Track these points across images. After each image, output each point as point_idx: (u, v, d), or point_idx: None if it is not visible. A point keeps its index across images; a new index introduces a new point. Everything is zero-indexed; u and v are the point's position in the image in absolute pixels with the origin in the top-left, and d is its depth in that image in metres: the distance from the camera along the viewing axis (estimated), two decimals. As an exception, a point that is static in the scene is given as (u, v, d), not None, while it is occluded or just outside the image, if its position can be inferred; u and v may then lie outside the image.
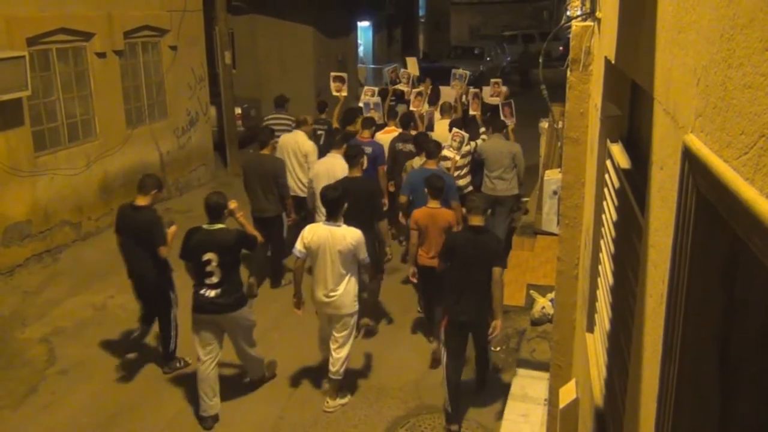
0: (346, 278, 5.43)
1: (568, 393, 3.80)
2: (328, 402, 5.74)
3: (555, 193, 8.12)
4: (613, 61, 2.65)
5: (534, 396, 5.71)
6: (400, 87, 11.09)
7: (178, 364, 6.25)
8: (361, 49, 22.71)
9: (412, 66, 11.42)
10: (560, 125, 6.78)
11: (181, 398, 5.85)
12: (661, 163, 1.67)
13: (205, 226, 5.32)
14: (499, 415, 5.53)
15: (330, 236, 5.33)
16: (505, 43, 28.04)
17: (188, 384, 6.00)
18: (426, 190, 6.15)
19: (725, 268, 1.24)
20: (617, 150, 2.77)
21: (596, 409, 2.81)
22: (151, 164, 11.10)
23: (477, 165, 8.55)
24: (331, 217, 5.44)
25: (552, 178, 8.40)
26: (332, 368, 5.67)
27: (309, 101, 17.17)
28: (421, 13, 28.79)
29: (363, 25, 22.35)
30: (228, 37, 13.43)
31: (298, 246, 5.42)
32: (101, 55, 9.77)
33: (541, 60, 4.60)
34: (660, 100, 1.72)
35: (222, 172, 13.12)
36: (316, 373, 6.20)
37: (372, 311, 6.96)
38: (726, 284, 1.25)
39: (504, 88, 10.35)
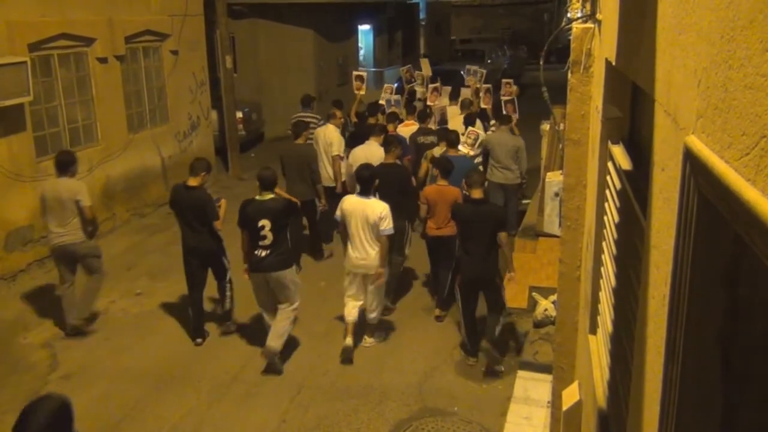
0: (376, 243, 6.29)
1: (571, 395, 3.79)
2: (366, 339, 6.78)
3: (556, 194, 8.13)
4: (613, 63, 2.65)
5: (537, 398, 5.71)
6: (416, 87, 12.00)
7: (232, 327, 7.00)
8: (361, 53, 22.73)
9: (426, 67, 12.35)
10: (561, 127, 6.78)
11: (184, 403, 5.85)
12: (663, 164, 1.67)
13: (257, 197, 6.14)
14: (502, 418, 5.52)
15: (361, 206, 6.25)
16: (505, 46, 28.07)
17: (190, 389, 6.00)
18: (437, 170, 7.05)
19: (727, 269, 1.24)
20: (618, 151, 2.77)
21: (599, 411, 2.81)
22: (152, 169, 11.13)
23: (483, 155, 9.26)
24: (364, 192, 6.33)
25: (553, 180, 8.40)
26: (369, 315, 6.68)
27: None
28: (422, 16, 28.79)
29: (363, 28, 22.36)
30: (229, 42, 13.46)
31: (338, 213, 6.45)
32: (102, 60, 9.79)
33: (542, 63, 4.60)
34: (661, 101, 1.72)
35: (224, 176, 13.12)
36: (317, 377, 6.21)
37: (391, 290, 7.39)
38: (728, 285, 1.25)
39: (515, 88, 10.89)
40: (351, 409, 5.79)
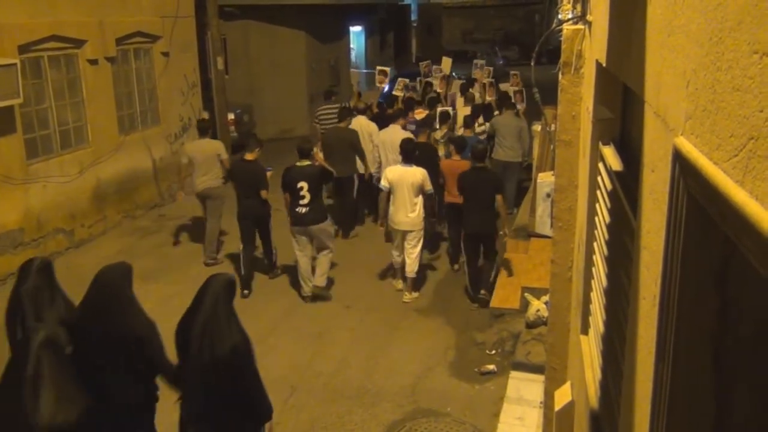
0: (418, 204, 7.58)
1: (563, 395, 3.80)
2: (405, 295, 7.85)
3: (548, 195, 8.15)
4: (604, 65, 2.66)
5: (530, 399, 5.72)
6: (432, 80, 13.27)
7: (279, 272, 8.38)
8: (353, 54, 22.72)
9: (446, 65, 13.63)
10: (553, 128, 6.82)
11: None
12: (653, 165, 1.68)
13: (297, 164, 7.49)
14: (495, 418, 5.53)
15: (405, 173, 7.54)
16: (497, 47, 28.12)
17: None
18: (451, 147, 8.51)
19: (717, 270, 1.25)
20: (609, 152, 2.78)
21: (591, 412, 2.81)
22: (144, 171, 11.08)
23: (489, 137, 10.29)
24: (406, 161, 7.60)
25: (545, 180, 8.43)
26: (409, 269, 7.77)
27: (301, 106, 17.19)
28: (414, 17, 28.83)
29: (355, 29, 22.36)
30: (220, 43, 13.43)
31: (383, 183, 7.72)
32: (93, 61, 9.75)
33: (533, 64, 4.62)
34: (650, 102, 1.73)
35: (215, 177, 13.08)
36: (310, 378, 6.20)
37: (425, 245, 8.44)
38: (718, 286, 1.25)
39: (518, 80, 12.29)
40: (344, 410, 5.78)
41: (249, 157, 7.94)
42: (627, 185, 2.33)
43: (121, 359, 3.98)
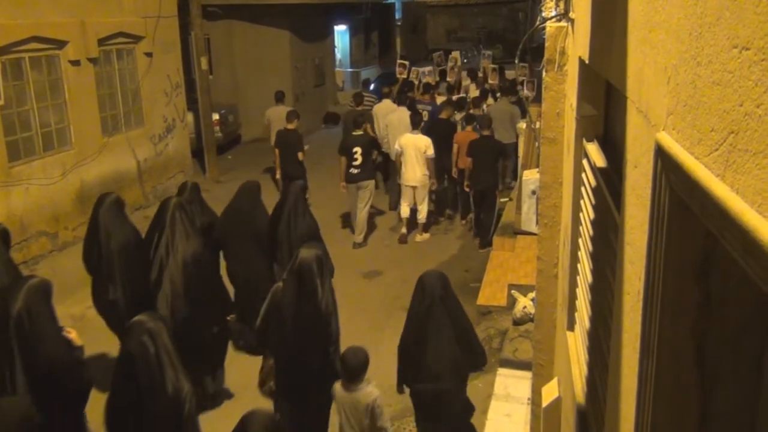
0: (424, 167, 9.37)
1: (550, 391, 3.82)
2: (417, 236, 9.85)
3: (533, 193, 8.16)
4: (587, 62, 2.67)
5: (517, 395, 5.73)
6: (446, 69, 14.88)
7: None
8: (338, 53, 22.68)
9: (457, 57, 15.61)
10: (537, 125, 6.84)
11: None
12: (635, 161, 1.68)
13: (353, 133, 9.59)
14: (483, 416, 5.54)
15: (413, 140, 9.35)
16: (481, 45, 28.16)
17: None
18: (465, 123, 10.26)
19: (700, 265, 1.25)
20: (593, 149, 2.79)
21: (578, 407, 2.82)
22: (128, 172, 11.00)
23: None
24: (414, 130, 9.48)
25: (530, 178, 8.44)
26: (420, 216, 9.72)
27: (287, 105, 17.09)
28: (398, 16, 28.80)
29: (340, 29, 22.32)
30: (204, 43, 13.36)
31: (396, 146, 9.58)
32: (75, 63, 9.67)
33: (517, 61, 4.63)
34: (633, 98, 1.74)
35: (201, 178, 13.00)
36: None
37: (441, 204, 10.77)
38: (701, 280, 1.26)
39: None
40: (332, 410, 5.76)
41: (290, 126, 10.12)
42: (611, 181, 2.34)
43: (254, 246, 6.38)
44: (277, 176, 10.43)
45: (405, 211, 9.75)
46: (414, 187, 9.50)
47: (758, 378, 1.16)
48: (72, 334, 4.44)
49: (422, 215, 9.69)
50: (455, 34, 35.56)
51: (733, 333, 1.22)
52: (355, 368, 4.28)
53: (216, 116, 13.91)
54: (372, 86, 14.35)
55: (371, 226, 10.18)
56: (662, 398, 1.36)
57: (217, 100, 14.55)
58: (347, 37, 23.17)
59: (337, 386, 4.43)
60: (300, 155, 9.97)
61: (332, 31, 21.04)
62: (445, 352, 4.44)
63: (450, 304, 4.55)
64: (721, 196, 0.97)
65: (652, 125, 1.45)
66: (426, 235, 9.86)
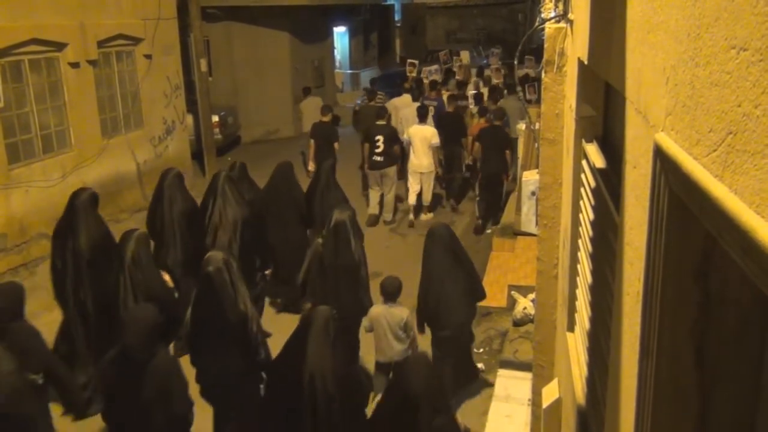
0: (430, 154, 10.20)
1: (550, 392, 3.82)
2: (423, 215, 10.65)
3: (533, 194, 8.17)
4: (586, 63, 2.67)
5: (517, 396, 5.73)
6: (454, 68, 15.81)
7: None
8: (337, 55, 22.68)
9: (465, 57, 17.29)
10: (537, 126, 6.84)
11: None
12: (635, 162, 1.68)
13: (377, 122, 10.38)
14: (484, 417, 5.54)
15: (421, 130, 10.21)
16: (480, 47, 28.16)
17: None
18: (485, 116, 10.87)
19: (699, 265, 1.26)
20: (592, 150, 2.79)
21: (578, 408, 2.82)
22: (127, 174, 11.00)
23: None
24: (422, 121, 10.41)
25: (530, 179, 8.45)
26: (426, 197, 10.58)
27: (286, 107, 17.13)
28: (397, 18, 28.81)
29: (339, 30, 22.32)
30: (203, 45, 13.36)
31: (405, 136, 10.61)
32: (75, 65, 9.66)
33: (516, 62, 4.63)
34: (632, 99, 1.74)
35: (200, 180, 13.00)
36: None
37: (452, 196, 11.51)
38: (700, 281, 1.26)
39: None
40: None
41: (325, 119, 11.17)
42: (610, 182, 2.34)
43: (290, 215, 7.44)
44: (310, 167, 10.90)
45: (412, 198, 10.53)
46: (421, 174, 10.34)
47: (758, 378, 1.17)
48: (166, 277, 5.94)
49: (427, 197, 10.58)
50: (455, 36, 35.52)
51: (733, 333, 1.22)
52: (392, 291, 5.48)
53: (215, 118, 13.90)
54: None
55: (371, 228, 10.21)
56: (662, 399, 1.36)
57: (217, 101, 14.55)
58: (346, 38, 23.18)
59: (375, 309, 5.60)
60: (336, 144, 10.87)
61: (331, 33, 21.06)
62: (459, 289, 5.56)
63: (456, 248, 5.72)
64: (719, 197, 0.97)
65: (651, 126, 1.46)
66: (430, 215, 10.70)
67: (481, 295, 5.80)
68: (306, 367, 4.01)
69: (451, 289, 5.51)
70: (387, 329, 5.49)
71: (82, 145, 9.88)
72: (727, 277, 1.21)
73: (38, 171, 9.03)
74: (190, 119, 13.28)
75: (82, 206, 5.80)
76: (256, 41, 16.72)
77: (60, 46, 9.42)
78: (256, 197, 7.52)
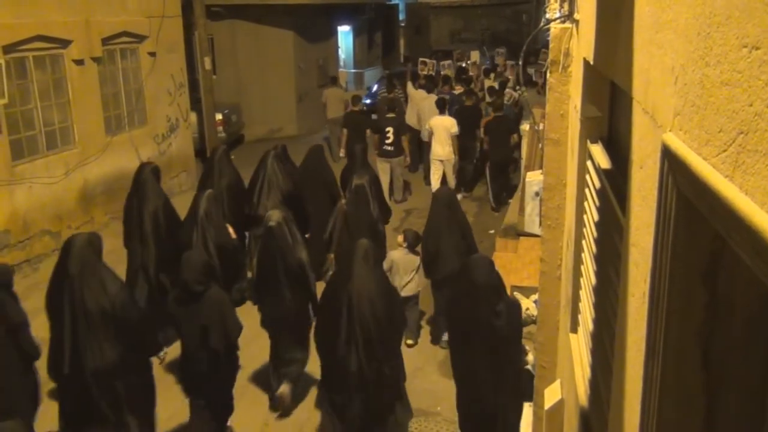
0: (450, 143, 11.06)
1: (553, 394, 3.80)
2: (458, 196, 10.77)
3: (537, 194, 8.15)
4: (591, 63, 2.66)
5: (519, 397, 5.70)
6: (467, 66, 17.56)
7: None
8: (341, 54, 22.67)
9: (475, 56, 18.87)
10: (541, 127, 6.84)
11: (170, 405, 5.78)
12: (641, 162, 1.67)
13: (387, 115, 11.38)
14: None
15: (441, 121, 11.11)
16: (484, 47, 28.15)
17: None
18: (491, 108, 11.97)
19: (706, 266, 1.24)
20: (597, 150, 2.78)
21: (581, 410, 2.81)
22: (131, 171, 10.96)
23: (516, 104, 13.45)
24: (442, 113, 11.24)
25: (534, 179, 8.42)
26: (451, 185, 10.92)
27: (290, 106, 17.14)
28: (401, 17, 28.80)
29: (343, 29, 22.31)
30: (207, 43, 13.38)
31: (426, 126, 11.60)
32: (79, 62, 9.68)
33: (520, 63, 4.62)
34: (639, 99, 1.73)
35: (203, 178, 13.01)
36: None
37: (466, 182, 12.29)
38: (708, 282, 1.25)
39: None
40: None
41: (356, 109, 12.34)
42: (615, 183, 2.32)
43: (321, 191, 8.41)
44: (341, 153, 11.76)
45: (435, 183, 11.20)
46: (442, 161, 11.20)
47: (765, 381, 1.15)
48: (230, 229, 6.76)
49: (452, 182, 11.42)
50: (459, 36, 35.50)
51: (740, 335, 1.21)
52: (412, 241, 6.63)
53: (219, 116, 13.91)
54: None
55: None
56: (668, 401, 1.35)
57: (221, 99, 14.56)
58: (350, 37, 23.17)
59: (395, 254, 6.68)
60: (368, 132, 11.67)
61: (336, 32, 21.06)
62: (453, 241, 6.54)
63: (453, 207, 6.82)
64: (729, 198, 0.96)
65: (659, 126, 1.44)
66: (459, 196, 11.17)
67: (474, 250, 6.59)
68: (353, 287, 4.69)
69: (447, 240, 6.51)
70: (402, 270, 6.60)
71: (86, 142, 9.89)
72: (735, 278, 1.19)
73: (42, 167, 9.04)
74: (193, 117, 13.30)
75: (148, 177, 7.02)
76: (261, 40, 16.73)
77: (64, 43, 9.43)
78: (294, 174, 8.47)
